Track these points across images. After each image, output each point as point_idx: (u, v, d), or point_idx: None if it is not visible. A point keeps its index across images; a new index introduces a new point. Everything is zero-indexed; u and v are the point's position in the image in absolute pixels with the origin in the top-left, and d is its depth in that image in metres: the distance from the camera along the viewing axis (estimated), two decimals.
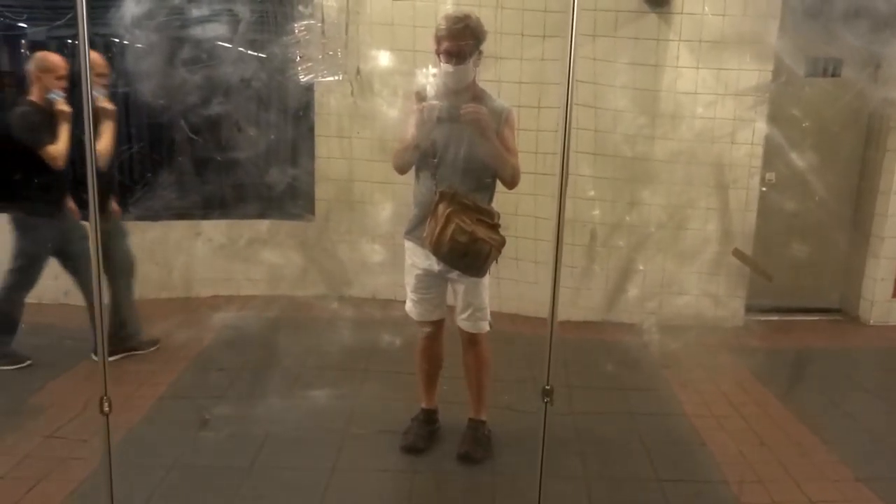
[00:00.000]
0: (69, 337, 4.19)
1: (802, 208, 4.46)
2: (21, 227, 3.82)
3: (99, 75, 3.70)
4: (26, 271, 3.88)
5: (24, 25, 4.94)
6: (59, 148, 3.64)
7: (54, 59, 3.74)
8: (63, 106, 3.66)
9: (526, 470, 2.35)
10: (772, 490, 2.92)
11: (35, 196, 3.73)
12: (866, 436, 3.47)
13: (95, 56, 3.73)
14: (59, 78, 3.70)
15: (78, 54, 2.00)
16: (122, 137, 4.68)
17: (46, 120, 3.65)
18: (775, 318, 5.14)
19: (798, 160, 4.23)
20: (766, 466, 3.10)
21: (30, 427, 3.19)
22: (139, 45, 4.08)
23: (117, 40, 4.58)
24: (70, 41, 4.76)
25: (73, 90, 3.70)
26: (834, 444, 3.30)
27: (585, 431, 3.35)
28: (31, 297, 4.89)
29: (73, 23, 2.07)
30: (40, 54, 3.78)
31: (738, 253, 4.72)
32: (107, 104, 3.72)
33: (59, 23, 4.77)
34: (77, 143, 3.87)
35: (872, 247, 5.14)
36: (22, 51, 4.96)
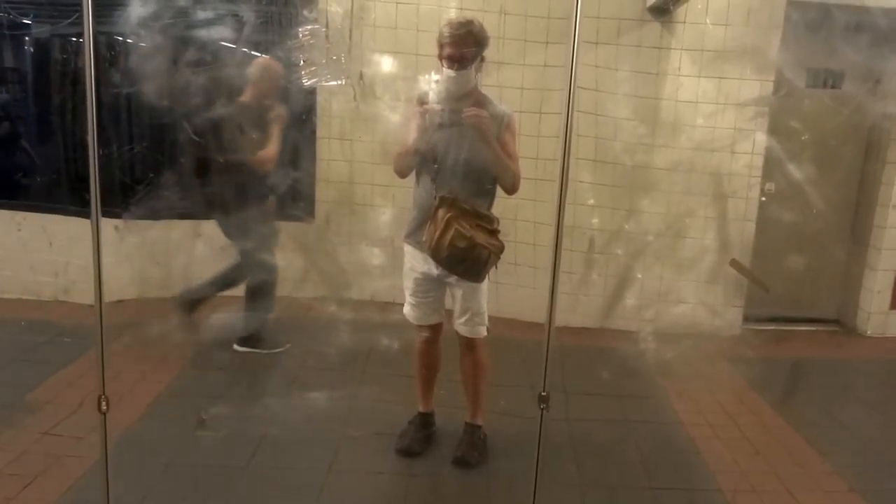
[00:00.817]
0: (67, 334, 4.20)
1: (801, 219, 4.47)
2: (236, 230, 3.91)
3: (272, 83, 3.75)
4: (240, 270, 4.04)
5: (29, 22, 4.96)
6: (269, 152, 3.69)
7: (277, 66, 3.80)
8: (279, 111, 3.73)
9: (521, 475, 2.36)
10: (766, 500, 2.93)
11: (246, 199, 3.81)
12: (861, 447, 3.48)
13: (275, 64, 3.83)
14: (277, 86, 3.75)
15: (84, 52, 2.01)
16: (124, 137, 4.70)
17: (260, 123, 3.68)
18: (772, 327, 5.15)
19: (797, 172, 4.24)
20: (761, 476, 3.11)
21: (27, 424, 3.19)
22: (143, 45, 4.10)
23: (121, 38, 4.60)
24: (75, 39, 4.78)
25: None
26: (829, 454, 3.31)
27: (581, 438, 3.36)
28: (30, 294, 4.92)
29: (79, 21, 2.08)
30: (263, 60, 3.84)
31: (735, 263, 4.74)
32: (281, 111, 3.78)
33: (65, 21, 4.79)
34: (80, 143, 3.90)
35: (870, 258, 5.16)
36: (26, 48, 4.98)
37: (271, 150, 3.69)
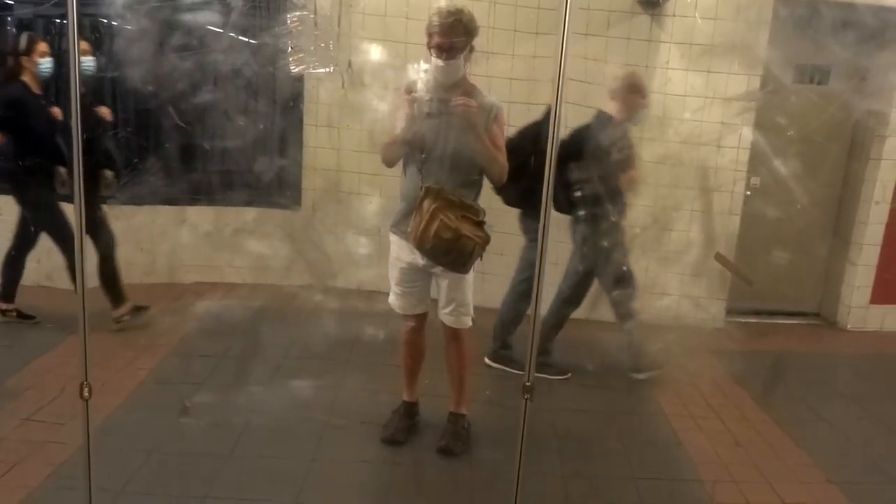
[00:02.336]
0: (49, 320, 4.16)
1: (785, 214, 4.51)
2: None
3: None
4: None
5: (12, 3, 4.87)
6: (634, 174, 3.73)
7: (643, 81, 3.75)
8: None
9: (504, 465, 2.37)
10: (745, 490, 2.96)
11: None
12: (839, 439, 3.54)
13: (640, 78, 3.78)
14: (645, 99, 3.72)
15: (67, 34, 1.98)
16: (109, 122, 4.64)
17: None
18: (755, 321, 5.21)
19: (782, 167, 4.27)
20: (741, 467, 3.15)
21: (8, 409, 3.16)
22: (129, 28, 4.04)
23: (106, 21, 4.53)
24: (59, 21, 4.71)
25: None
26: (808, 446, 3.36)
27: (564, 428, 3.38)
28: None
29: (63, 3, 2.05)
30: (630, 73, 3.79)
31: (720, 257, 4.77)
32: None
33: (48, 3, 4.71)
34: (63, 127, 3.85)
35: (852, 254, 5.22)
36: (9, 29, 4.89)
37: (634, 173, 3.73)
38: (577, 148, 3.56)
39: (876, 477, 3.17)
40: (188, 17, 3.90)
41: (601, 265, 3.87)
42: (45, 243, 4.74)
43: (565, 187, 3.56)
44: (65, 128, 3.83)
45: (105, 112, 4.12)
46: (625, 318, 3.96)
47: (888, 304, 5.24)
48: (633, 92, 3.68)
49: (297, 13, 4.24)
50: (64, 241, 3.93)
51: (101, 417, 3.02)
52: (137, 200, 4.60)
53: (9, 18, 4.91)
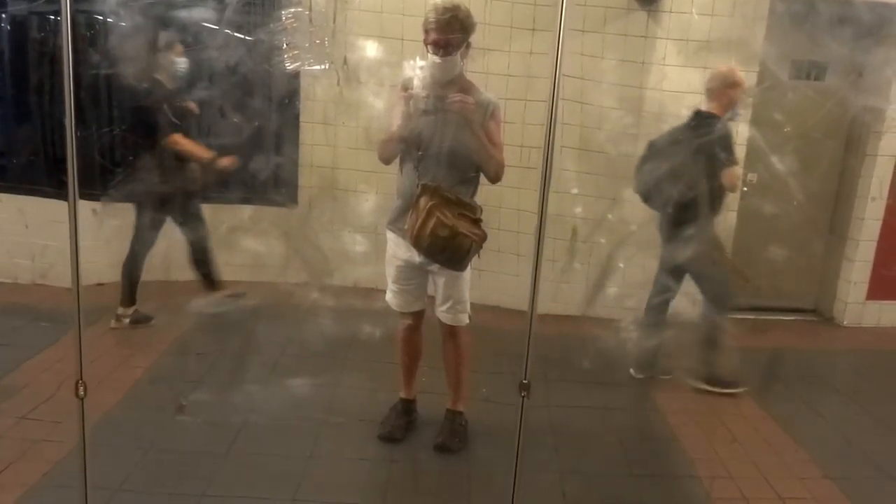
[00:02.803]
0: (44, 318, 4.15)
1: (781, 211, 4.51)
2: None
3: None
4: None
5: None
6: (737, 171, 3.66)
7: (740, 74, 3.70)
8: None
9: (502, 461, 2.37)
10: (742, 486, 2.97)
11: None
12: (836, 435, 3.54)
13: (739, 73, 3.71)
14: (743, 92, 3.68)
15: (61, 31, 1.97)
16: (103, 119, 4.62)
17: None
18: (751, 317, 5.20)
19: (779, 163, 4.27)
20: (738, 463, 3.15)
21: (3, 408, 3.16)
22: (123, 25, 4.03)
23: (100, 18, 4.51)
24: (52, 17, 4.68)
25: None
26: (804, 442, 3.36)
27: (561, 425, 3.38)
28: (7, 277, 4.85)
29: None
30: (726, 69, 3.73)
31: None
32: None
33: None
34: (57, 124, 3.83)
35: (848, 250, 5.22)
36: (2, 26, 4.87)
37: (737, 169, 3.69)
38: (674, 147, 3.57)
39: (872, 473, 3.18)
40: (183, 14, 3.89)
41: (696, 265, 3.84)
42: (42, 241, 4.74)
43: (661, 187, 3.60)
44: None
45: (192, 106, 4.21)
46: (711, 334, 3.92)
47: (884, 301, 5.25)
48: (732, 87, 3.66)
49: (292, 10, 4.22)
50: (198, 236, 4.20)
51: (97, 416, 3.01)
52: (131, 198, 4.58)
53: (2, 16, 4.88)
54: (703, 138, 3.55)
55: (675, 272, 3.87)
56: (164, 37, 4.03)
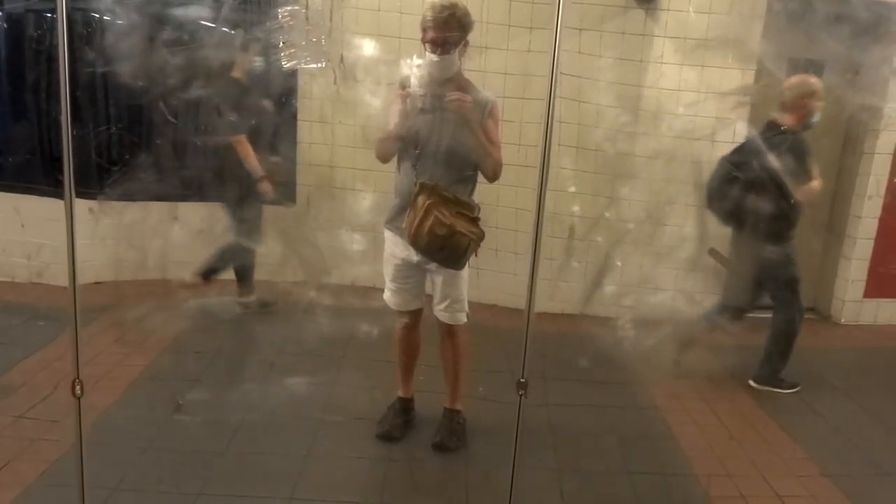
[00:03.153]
0: (41, 317, 4.14)
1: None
2: None
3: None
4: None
5: None
6: (815, 186, 3.62)
7: (816, 82, 3.68)
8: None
9: (499, 460, 2.37)
10: (740, 484, 2.97)
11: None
12: (834, 433, 3.55)
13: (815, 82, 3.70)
14: (818, 101, 3.64)
15: (57, 29, 1.96)
16: (100, 117, 4.61)
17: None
18: (749, 315, 5.20)
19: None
20: (735, 461, 3.16)
21: (0, 407, 3.15)
22: (120, 23, 4.02)
23: (97, 15, 4.49)
24: (49, 15, 4.67)
25: None
26: (802, 440, 3.37)
27: (559, 423, 3.38)
28: (3, 276, 4.84)
29: None
30: (799, 79, 3.74)
31: (714, 253, 4.77)
32: None
33: None
34: (54, 122, 3.82)
35: (846, 248, 5.23)
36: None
37: (816, 184, 3.65)
38: (746, 161, 3.56)
39: (870, 470, 3.19)
40: (179, 12, 3.88)
41: (771, 281, 3.89)
42: (38, 239, 4.73)
43: (735, 201, 3.60)
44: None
45: (267, 105, 4.29)
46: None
47: (882, 298, 5.27)
48: (810, 97, 3.64)
49: (289, 8, 4.21)
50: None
51: (94, 415, 3.01)
52: (128, 197, 4.57)
53: None
54: (779, 153, 3.51)
55: (748, 286, 3.92)
56: (239, 36, 4.12)
